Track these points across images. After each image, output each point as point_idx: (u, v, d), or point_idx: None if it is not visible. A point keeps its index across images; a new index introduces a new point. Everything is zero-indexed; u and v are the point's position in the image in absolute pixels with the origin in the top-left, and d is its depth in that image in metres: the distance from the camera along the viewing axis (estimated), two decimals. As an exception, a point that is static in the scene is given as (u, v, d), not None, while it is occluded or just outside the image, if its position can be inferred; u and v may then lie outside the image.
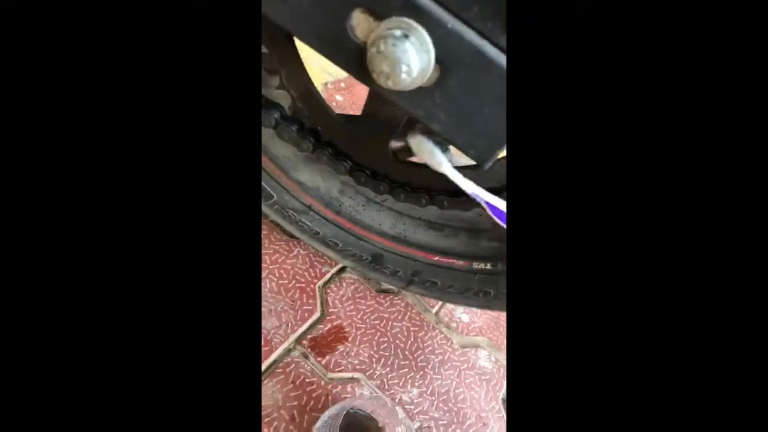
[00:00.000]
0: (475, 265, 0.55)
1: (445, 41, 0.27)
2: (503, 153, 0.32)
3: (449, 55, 0.28)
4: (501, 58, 0.28)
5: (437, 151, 0.39)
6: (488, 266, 0.55)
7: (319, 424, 0.51)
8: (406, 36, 0.26)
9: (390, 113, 0.39)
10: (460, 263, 0.56)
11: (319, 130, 0.44)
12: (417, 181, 0.44)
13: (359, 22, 0.28)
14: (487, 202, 0.39)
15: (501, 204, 0.39)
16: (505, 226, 0.40)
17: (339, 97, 1.01)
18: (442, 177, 0.44)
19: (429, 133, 0.40)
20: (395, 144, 0.57)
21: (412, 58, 0.27)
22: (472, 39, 0.27)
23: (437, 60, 0.28)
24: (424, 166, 0.45)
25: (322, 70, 1.03)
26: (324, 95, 1.00)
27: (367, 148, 0.43)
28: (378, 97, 0.39)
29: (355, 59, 0.29)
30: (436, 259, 0.58)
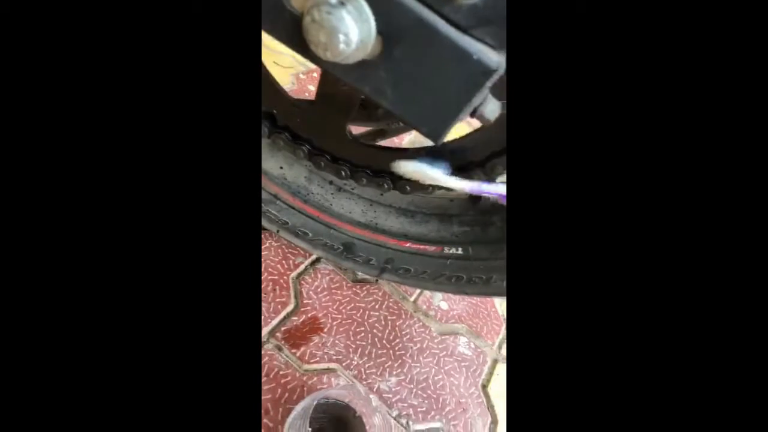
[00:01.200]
0: (447, 251, 0.54)
1: (385, 11, 0.26)
2: (455, 129, 0.31)
3: (391, 25, 0.26)
4: (446, 28, 0.26)
5: (427, 168, 0.39)
6: (460, 251, 0.54)
7: (292, 415, 0.50)
8: (342, 3, 0.25)
9: (345, 94, 0.38)
10: (431, 249, 0.55)
11: (274, 113, 0.43)
12: (378, 164, 0.43)
13: (295, -9, 0.27)
14: (497, 194, 0.39)
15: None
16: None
17: (312, 87, 0.99)
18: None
19: (409, 157, 0.40)
20: (360, 128, 0.55)
21: (349, 27, 0.25)
22: (415, 8, 0.26)
23: (379, 31, 0.27)
24: (385, 149, 0.44)
25: (294, 60, 1.01)
26: (296, 86, 0.98)
27: (325, 131, 0.41)
28: (330, 77, 0.38)
29: (292, 30, 0.28)
30: (408, 245, 0.57)
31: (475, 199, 0.53)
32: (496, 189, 0.39)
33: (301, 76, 1.00)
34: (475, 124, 0.36)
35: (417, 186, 0.42)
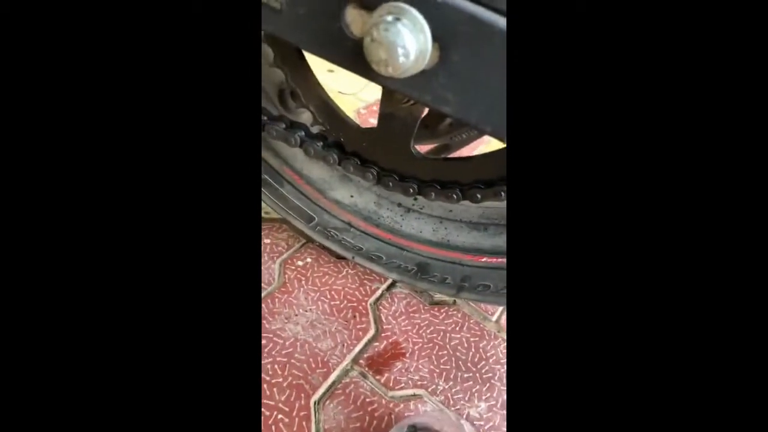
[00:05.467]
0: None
1: (438, 16, 0.27)
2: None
3: (446, 29, 0.27)
4: (500, 21, 0.26)
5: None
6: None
7: (382, 444, 0.49)
8: (397, 19, 0.26)
9: (406, 112, 0.39)
10: (510, 261, 0.53)
11: (342, 142, 0.45)
12: (446, 176, 0.43)
13: (353, 19, 0.29)
14: None
15: None
16: None
17: (373, 120, 1.03)
18: (471, 169, 0.42)
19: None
20: (426, 145, 0.56)
21: (407, 39, 0.26)
22: (466, 7, 0.26)
23: (435, 38, 0.27)
24: (449, 161, 0.44)
25: (355, 98, 1.06)
26: (359, 121, 1.03)
27: (390, 151, 0.42)
28: (390, 96, 0.39)
29: (354, 56, 0.30)
30: (484, 260, 0.55)
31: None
32: None
33: (362, 111, 1.05)
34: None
35: (486, 194, 0.41)
